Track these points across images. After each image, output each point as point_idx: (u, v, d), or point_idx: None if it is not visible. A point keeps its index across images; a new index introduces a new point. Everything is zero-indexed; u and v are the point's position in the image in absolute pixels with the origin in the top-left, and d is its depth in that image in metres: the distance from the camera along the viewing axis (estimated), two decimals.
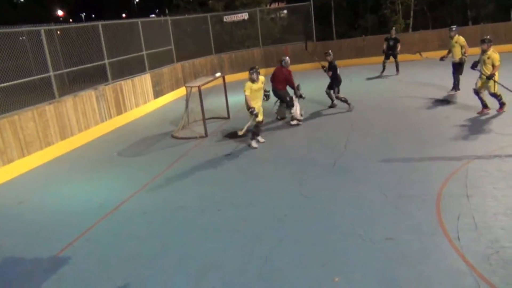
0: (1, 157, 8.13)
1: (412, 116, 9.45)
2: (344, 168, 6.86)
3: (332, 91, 10.65)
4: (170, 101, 14.66)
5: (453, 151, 7.07)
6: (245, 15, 18.62)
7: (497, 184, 5.67)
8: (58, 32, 10.74)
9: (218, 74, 11.21)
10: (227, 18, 18.56)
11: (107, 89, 11.47)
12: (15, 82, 8.62)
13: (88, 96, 10.67)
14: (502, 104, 8.84)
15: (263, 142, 8.64)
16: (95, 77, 11.48)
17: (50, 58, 9.58)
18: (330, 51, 10.36)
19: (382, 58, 15.17)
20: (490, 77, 8.56)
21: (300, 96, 9.85)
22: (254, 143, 8.45)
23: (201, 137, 9.59)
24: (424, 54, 13.93)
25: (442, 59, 11.19)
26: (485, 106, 8.93)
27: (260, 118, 8.34)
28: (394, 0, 22.74)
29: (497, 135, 7.54)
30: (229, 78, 14.74)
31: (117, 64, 12.23)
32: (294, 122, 9.81)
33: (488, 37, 8.79)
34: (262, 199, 6.03)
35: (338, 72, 10.34)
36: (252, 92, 8.12)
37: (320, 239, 4.76)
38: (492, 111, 8.92)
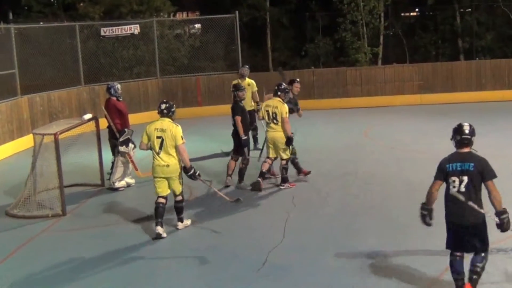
0: None
1: (380, 187, 9.90)
2: (280, 267, 6.90)
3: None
4: (6, 157, 14.40)
5: (440, 243, 7.36)
6: (135, 28, 18.92)
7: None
8: None
9: (87, 116, 11.11)
10: (107, 31, 18.72)
11: None
12: None
13: None
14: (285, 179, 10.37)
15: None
16: None
17: None
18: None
19: (335, 101, 15.76)
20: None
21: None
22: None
23: (55, 215, 9.42)
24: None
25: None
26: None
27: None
28: (356, 19, 24.25)
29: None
30: (106, 123, 14.60)
31: None
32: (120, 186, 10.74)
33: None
34: None
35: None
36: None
37: None
38: None
